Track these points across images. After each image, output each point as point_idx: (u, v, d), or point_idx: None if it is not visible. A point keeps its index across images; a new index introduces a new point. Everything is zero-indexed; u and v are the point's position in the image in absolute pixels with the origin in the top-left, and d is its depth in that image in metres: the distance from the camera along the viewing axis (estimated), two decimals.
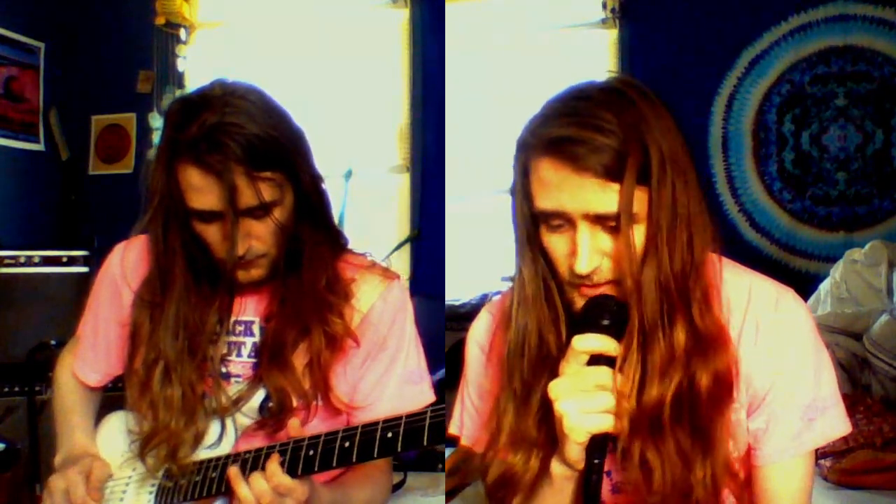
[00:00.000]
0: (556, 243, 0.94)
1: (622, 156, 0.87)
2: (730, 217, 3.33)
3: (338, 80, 3.43)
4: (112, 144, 3.69)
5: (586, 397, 0.89)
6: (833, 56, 3.23)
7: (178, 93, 3.43)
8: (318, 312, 1.18)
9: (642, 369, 0.91)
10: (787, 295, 1.02)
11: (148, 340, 1.20)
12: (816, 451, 1.04)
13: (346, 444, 1.04)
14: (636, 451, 0.92)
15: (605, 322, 0.92)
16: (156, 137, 3.39)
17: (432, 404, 1.02)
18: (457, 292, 3.37)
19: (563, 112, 0.92)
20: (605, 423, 0.90)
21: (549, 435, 0.97)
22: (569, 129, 0.89)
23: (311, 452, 1.06)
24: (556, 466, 0.95)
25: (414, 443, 1.01)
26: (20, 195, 3.47)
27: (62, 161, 3.54)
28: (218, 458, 1.14)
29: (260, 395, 1.18)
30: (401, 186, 3.43)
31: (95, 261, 2.91)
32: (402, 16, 3.43)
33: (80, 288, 2.75)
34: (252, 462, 1.09)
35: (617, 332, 0.92)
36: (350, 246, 1.30)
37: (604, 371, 0.91)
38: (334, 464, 1.05)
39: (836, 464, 1.98)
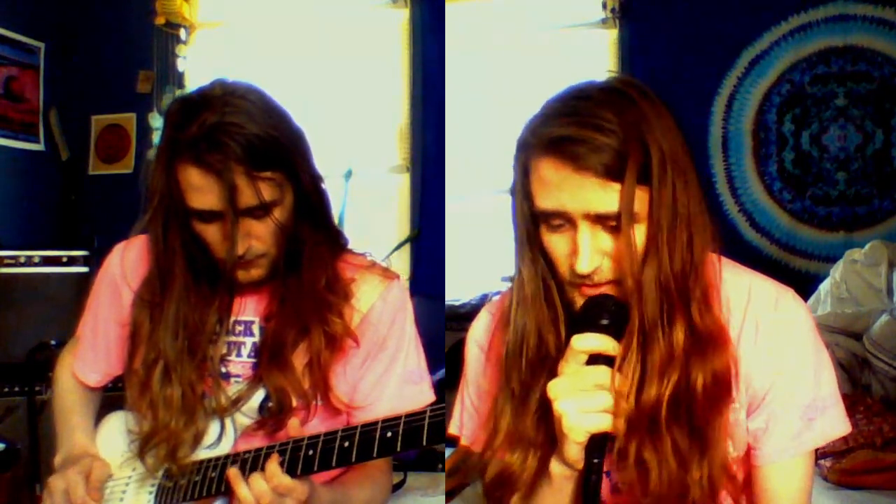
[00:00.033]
0: (556, 243, 0.94)
1: (623, 155, 0.87)
2: (730, 217, 3.33)
3: (338, 80, 3.43)
4: (112, 144, 3.69)
5: (585, 397, 0.89)
6: (833, 56, 3.23)
7: (178, 93, 3.43)
8: (317, 312, 1.18)
9: (641, 369, 0.91)
10: (787, 295, 1.02)
11: (148, 340, 1.20)
12: (816, 451, 1.04)
13: (346, 443, 1.04)
14: (633, 450, 0.92)
15: (604, 322, 0.92)
16: (156, 137, 3.39)
17: (432, 404, 1.02)
18: (457, 292, 3.37)
19: (564, 112, 0.92)
20: (604, 423, 0.90)
21: (547, 435, 0.97)
22: (569, 128, 0.89)
23: (311, 452, 1.06)
24: (555, 466, 0.95)
25: (413, 442, 1.01)
26: (20, 195, 3.47)
27: (62, 161, 3.54)
28: (217, 458, 1.14)
29: (259, 394, 1.18)
30: (401, 186, 3.43)
31: (95, 261, 2.91)
32: (402, 16, 3.43)
33: (80, 288, 2.75)
34: (252, 462, 1.09)
35: (616, 332, 0.92)
36: (350, 246, 1.30)
37: (603, 370, 0.91)
38: (334, 464, 1.05)
39: (836, 464, 1.99)
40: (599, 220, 0.90)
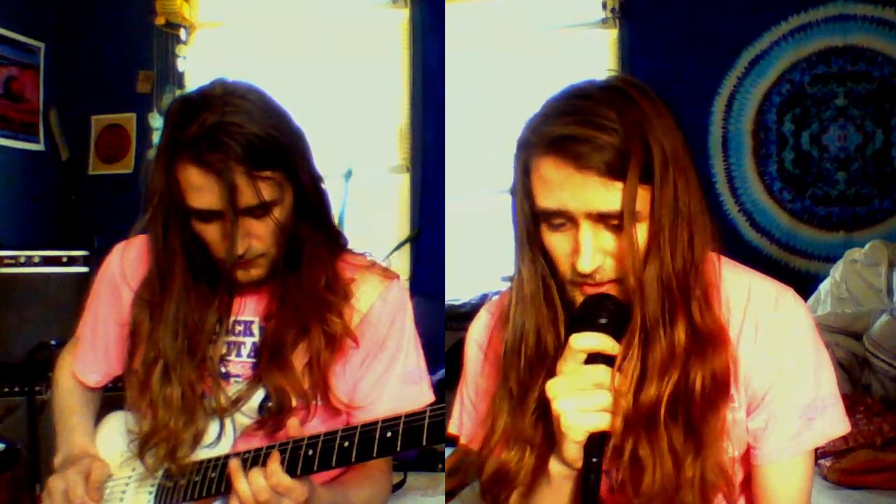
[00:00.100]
0: (557, 242, 0.94)
1: (624, 154, 0.87)
2: (730, 217, 3.33)
3: (338, 80, 3.43)
4: (112, 144, 3.69)
5: (584, 396, 0.89)
6: (833, 56, 3.23)
7: (178, 93, 3.43)
8: (317, 312, 1.18)
9: (641, 368, 0.92)
10: (787, 294, 1.02)
11: (147, 340, 1.20)
12: (816, 450, 1.04)
13: (346, 443, 1.04)
14: (629, 448, 0.92)
15: (603, 321, 0.92)
16: (156, 137, 3.39)
17: (432, 404, 1.02)
18: (457, 292, 3.37)
19: (565, 111, 0.92)
20: (603, 422, 0.90)
21: (546, 434, 0.97)
22: (571, 127, 0.89)
23: (311, 452, 1.06)
24: (554, 465, 0.95)
25: (413, 442, 1.01)
26: (20, 195, 3.47)
27: (62, 161, 3.54)
28: (217, 458, 1.14)
29: (259, 394, 1.18)
30: (401, 186, 3.43)
31: (95, 261, 2.91)
32: (402, 16, 3.43)
33: (80, 288, 2.75)
34: (251, 462, 1.09)
35: (615, 331, 0.92)
36: (350, 246, 1.30)
37: (602, 369, 0.91)
38: (333, 463, 1.05)
39: (835, 464, 1.99)
40: (601, 218, 0.90)
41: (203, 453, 1.17)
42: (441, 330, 2.78)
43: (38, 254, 2.92)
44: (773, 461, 1.00)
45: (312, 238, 1.20)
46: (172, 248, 1.17)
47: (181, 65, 3.57)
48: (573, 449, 0.91)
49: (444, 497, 2.12)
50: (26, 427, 2.52)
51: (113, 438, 1.29)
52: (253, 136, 1.08)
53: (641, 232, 0.90)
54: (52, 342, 2.39)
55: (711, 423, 0.94)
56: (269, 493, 1.04)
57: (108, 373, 1.36)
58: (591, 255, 0.91)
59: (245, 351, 1.23)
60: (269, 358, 1.18)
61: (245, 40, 3.58)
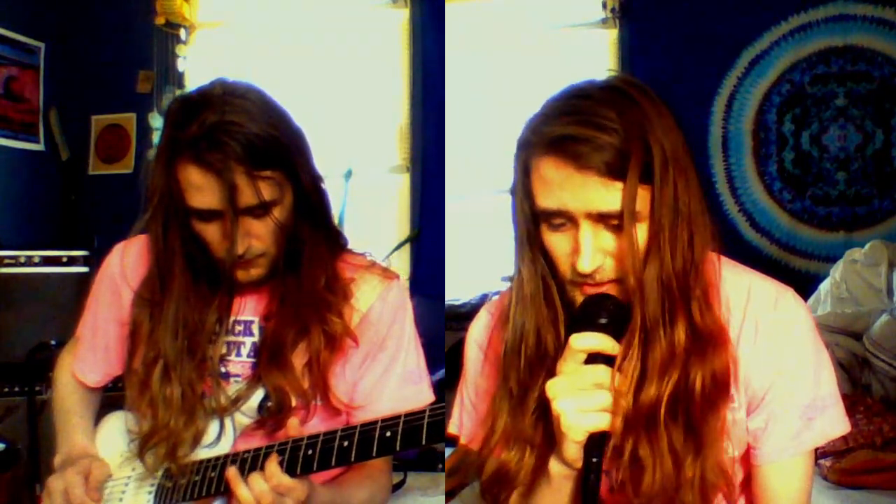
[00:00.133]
0: (557, 242, 0.94)
1: (624, 154, 0.87)
2: (730, 217, 3.33)
3: (338, 80, 3.43)
4: (112, 144, 3.69)
5: (584, 396, 0.89)
6: (833, 56, 3.23)
7: (177, 92, 3.42)
8: (317, 312, 1.18)
9: (641, 368, 0.92)
10: (787, 294, 1.02)
11: (147, 339, 1.20)
12: (816, 450, 1.04)
13: (345, 443, 1.04)
14: (629, 448, 0.92)
15: (603, 321, 0.92)
16: (156, 137, 3.39)
17: (431, 404, 1.02)
18: (457, 292, 3.37)
19: (565, 111, 0.92)
20: (603, 422, 0.90)
21: (546, 434, 0.97)
22: (571, 127, 0.89)
23: (310, 452, 1.06)
24: (554, 465, 0.95)
25: (412, 442, 1.00)
26: (20, 195, 3.47)
27: (62, 161, 3.55)
28: (217, 458, 1.14)
29: (259, 394, 1.18)
30: (401, 186, 3.43)
31: (95, 261, 2.91)
32: (402, 16, 3.44)
33: (80, 288, 2.75)
34: (251, 462, 1.09)
35: (614, 331, 0.92)
36: (350, 246, 1.30)
37: (601, 369, 0.91)
38: (333, 463, 1.05)
39: (835, 464, 1.99)
40: (601, 219, 0.90)
41: (203, 453, 1.17)
42: (441, 330, 2.78)
43: (38, 254, 2.92)
44: (773, 461, 1.00)
45: (312, 238, 1.20)
46: (172, 248, 1.18)
47: (181, 65, 3.57)
48: (573, 449, 0.91)
49: (444, 497, 2.12)
50: (26, 427, 2.52)
51: (113, 438, 1.29)
52: (253, 136, 1.08)
53: (641, 232, 0.90)
54: (52, 342, 2.39)
55: (711, 423, 0.94)
56: (271, 495, 1.04)
57: (108, 373, 1.36)
58: (591, 255, 0.91)
59: (245, 351, 1.23)
60: (269, 358, 1.18)
61: (245, 40, 3.59)
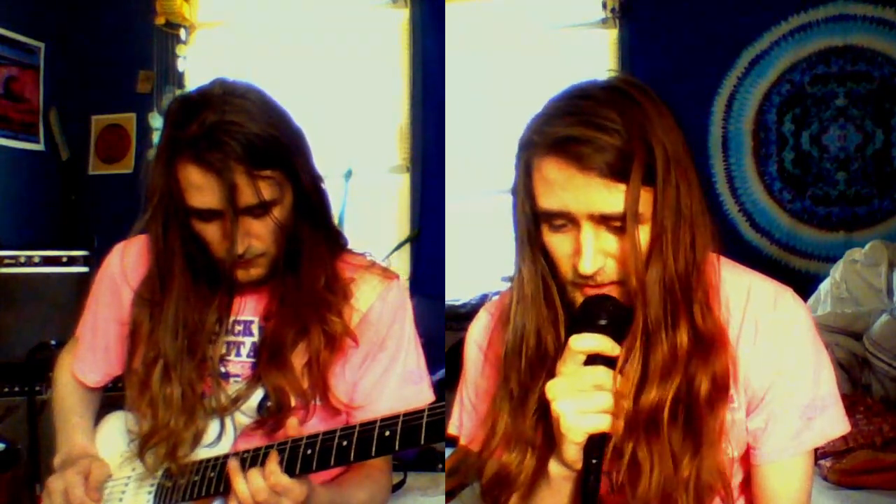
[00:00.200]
0: (558, 243, 0.94)
1: (626, 155, 0.87)
2: (730, 217, 3.33)
3: (338, 80, 3.43)
4: (112, 144, 3.69)
5: (584, 397, 0.89)
6: (833, 56, 3.23)
7: (177, 92, 3.43)
8: (316, 312, 1.18)
9: (642, 370, 0.91)
10: (786, 294, 1.02)
11: (147, 339, 1.20)
12: (816, 450, 1.04)
13: (344, 442, 1.04)
14: (628, 450, 0.92)
15: (603, 322, 0.91)
16: (156, 137, 3.39)
17: (431, 404, 1.02)
18: (457, 292, 3.37)
19: (566, 111, 0.91)
20: (603, 424, 0.89)
21: (546, 435, 0.97)
22: (573, 128, 0.89)
23: (309, 451, 1.06)
24: (553, 467, 0.95)
25: (412, 441, 1.00)
26: (20, 195, 3.47)
27: (62, 161, 3.54)
28: (217, 458, 1.14)
29: (258, 394, 1.18)
30: (401, 186, 3.43)
31: (95, 261, 2.91)
32: (402, 16, 3.44)
33: (80, 288, 2.75)
34: (251, 461, 1.09)
35: (614, 332, 0.91)
36: (350, 246, 1.30)
37: (601, 371, 0.90)
38: (332, 463, 1.05)
39: (835, 464, 1.99)
40: (603, 220, 0.90)
41: (203, 453, 1.17)
42: (441, 330, 2.78)
43: (38, 254, 2.92)
44: (772, 461, 1.00)
45: (312, 238, 1.20)
46: (172, 248, 1.17)
47: (181, 65, 3.58)
48: (573, 450, 0.91)
49: (444, 497, 2.12)
50: (26, 427, 2.52)
51: (113, 438, 1.29)
52: (253, 136, 1.08)
53: (643, 233, 0.90)
54: (52, 342, 2.39)
55: (710, 425, 0.94)
56: (267, 492, 1.04)
57: (108, 373, 1.36)
58: (593, 256, 0.90)
59: (245, 351, 1.23)
60: (269, 358, 1.18)
61: (245, 40, 3.59)
